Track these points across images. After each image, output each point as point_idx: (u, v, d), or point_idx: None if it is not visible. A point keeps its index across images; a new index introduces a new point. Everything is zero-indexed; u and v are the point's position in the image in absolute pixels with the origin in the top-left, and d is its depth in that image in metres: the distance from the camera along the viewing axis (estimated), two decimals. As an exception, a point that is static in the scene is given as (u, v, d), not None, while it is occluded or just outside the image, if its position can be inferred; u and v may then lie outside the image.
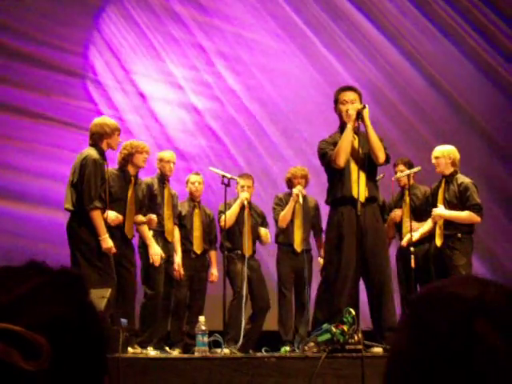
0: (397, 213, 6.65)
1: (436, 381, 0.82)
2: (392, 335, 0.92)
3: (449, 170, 6.32)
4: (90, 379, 0.84)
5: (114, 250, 5.38)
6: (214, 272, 7.09)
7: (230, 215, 6.68)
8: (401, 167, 6.76)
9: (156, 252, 6.14)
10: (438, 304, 0.86)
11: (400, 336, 0.89)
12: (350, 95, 5.34)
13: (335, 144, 5.34)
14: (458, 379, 0.81)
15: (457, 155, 6.35)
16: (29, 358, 0.77)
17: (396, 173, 6.75)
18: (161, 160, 6.66)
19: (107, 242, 5.33)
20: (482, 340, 0.82)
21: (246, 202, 6.84)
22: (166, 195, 6.58)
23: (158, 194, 6.52)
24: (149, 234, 6.19)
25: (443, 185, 6.35)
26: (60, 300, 0.84)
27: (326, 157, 5.33)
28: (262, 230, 7.08)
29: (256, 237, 7.10)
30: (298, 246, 6.96)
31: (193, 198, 7.04)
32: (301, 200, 6.87)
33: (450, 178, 6.32)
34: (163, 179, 6.63)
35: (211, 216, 7.17)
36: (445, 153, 6.33)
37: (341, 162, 5.23)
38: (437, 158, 6.33)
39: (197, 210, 7.02)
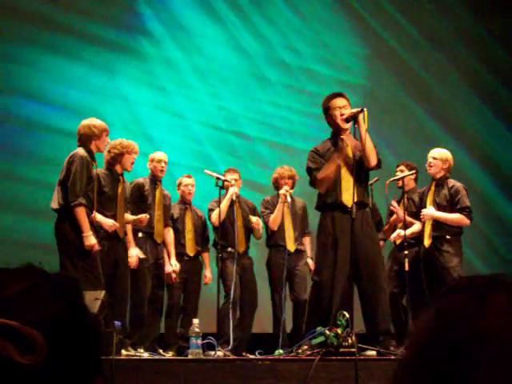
0: (397, 216, 6.60)
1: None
2: (412, 329, 0.88)
3: (440, 174, 6.35)
4: (84, 377, 0.85)
5: (96, 247, 5.30)
6: (208, 274, 7.08)
7: (221, 211, 6.60)
8: (401, 167, 6.78)
9: (131, 254, 6.06)
10: (451, 291, 0.84)
11: (421, 328, 0.85)
12: (341, 101, 5.37)
13: (325, 156, 5.35)
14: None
15: (452, 163, 6.39)
16: (24, 353, 0.79)
17: (396, 173, 6.77)
18: (152, 160, 6.60)
19: (90, 240, 5.24)
20: (497, 308, 0.79)
21: (234, 197, 6.82)
22: (157, 196, 6.54)
23: (148, 195, 6.48)
24: (130, 236, 6.13)
25: (433, 188, 6.38)
26: (55, 299, 0.85)
27: (310, 174, 5.39)
28: (253, 218, 7.00)
29: (249, 231, 7.07)
30: (290, 246, 6.96)
31: (184, 201, 7.03)
32: (289, 199, 6.88)
33: (440, 181, 6.36)
34: (155, 180, 6.59)
35: (203, 217, 7.15)
36: (443, 156, 6.35)
37: (323, 190, 5.32)
38: (434, 158, 6.34)
39: (188, 213, 7.00)
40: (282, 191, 6.90)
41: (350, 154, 5.29)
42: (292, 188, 7.01)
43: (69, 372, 0.83)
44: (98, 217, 5.59)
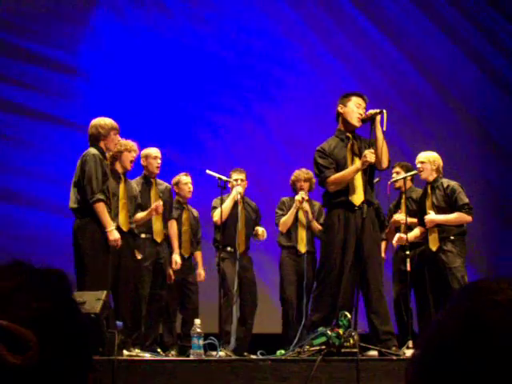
0: (399, 217, 6.59)
1: None
2: (436, 329, 0.84)
3: (432, 176, 6.37)
4: (75, 374, 0.85)
5: (120, 242, 5.33)
6: (202, 272, 7.05)
7: (224, 210, 6.55)
8: (397, 169, 6.78)
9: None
10: (498, 310, 0.80)
11: (449, 333, 0.82)
12: (363, 102, 5.36)
13: (331, 155, 5.33)
14: None
15: (440, 162, 6.41)
16: (15, 352, 0.78)
17: (393, 175, 6.76)
18: (147, 157, 6.46)
19: (114, 234, 5.29)
20: None
21: (239, 197, 6.77)
22: (152, 196, 6.46)
23: (142, 197, 6.34)
24: None
25: (429, 191, 6.38)
26: (45, 296, 0.84)
27: (320, 175, 5.35)
28: (260, 229, 6.99)
29: (250, 232, 7.03)
30: (301, 247, 6.92)
31: (182, 201, 6.96)
32: (306, 207, 6.84)
33: (434, 184, 6.36)
34: (149, 178, 6.50)
35: (197, 217, 7.12)
36: (430, 158, 6.38)
37: (332, 190, 5.29)
38: (422, 162, 6.37)
39: (185, 213, 6.94)
40: (297, 197, 6.86)
41: (360, 154, 5.28)
42: (309, 190, 6.98)
43: (59, 368, 0.82)
44: None
